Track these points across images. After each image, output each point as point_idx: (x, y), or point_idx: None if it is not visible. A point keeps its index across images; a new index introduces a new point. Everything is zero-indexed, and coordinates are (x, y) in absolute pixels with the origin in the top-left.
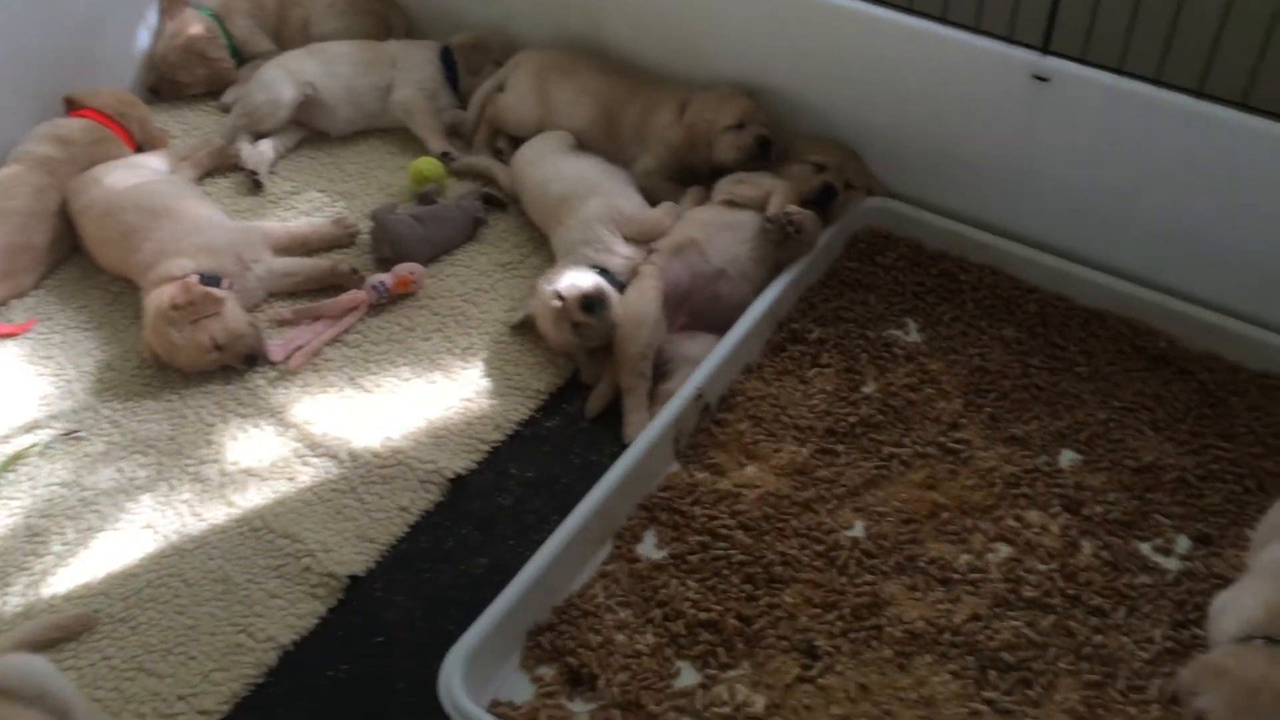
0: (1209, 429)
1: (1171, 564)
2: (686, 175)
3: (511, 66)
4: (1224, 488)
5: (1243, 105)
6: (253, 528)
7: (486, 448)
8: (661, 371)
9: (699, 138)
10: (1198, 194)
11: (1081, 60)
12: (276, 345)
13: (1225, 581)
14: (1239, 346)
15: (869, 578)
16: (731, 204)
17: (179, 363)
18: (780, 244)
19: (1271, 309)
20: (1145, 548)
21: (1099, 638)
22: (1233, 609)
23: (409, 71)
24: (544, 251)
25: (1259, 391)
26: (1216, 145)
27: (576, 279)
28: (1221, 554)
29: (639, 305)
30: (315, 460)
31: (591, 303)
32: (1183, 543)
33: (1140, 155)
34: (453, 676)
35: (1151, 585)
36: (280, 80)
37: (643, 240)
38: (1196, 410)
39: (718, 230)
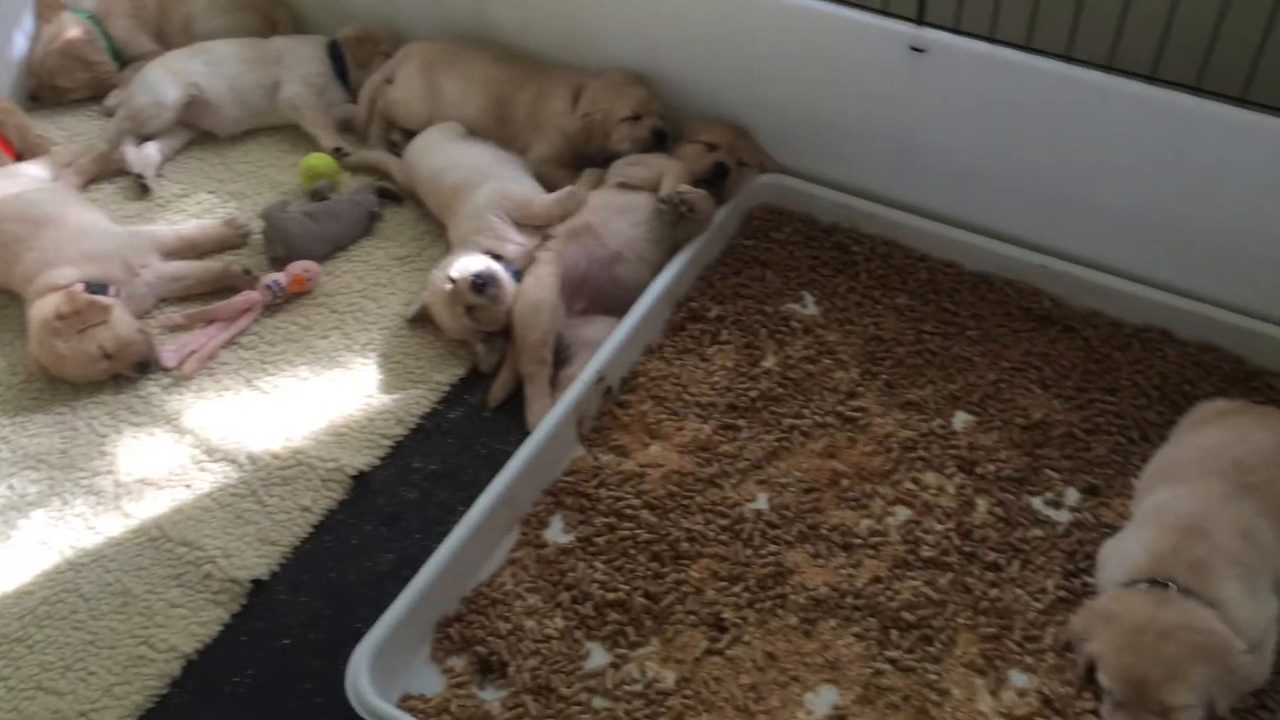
0: (1094, 384)
1: (1062, 516)
2: (582, 161)
3: (399, 59)
4: (1109, 440)
5: (1109, 68)
6: (150, 538)
7: (389, 443)
8: (562, 357)
9: (595, 128)
10: (1071, 155)
11: (955, 30)
12: (169, 351)
13: (1113, 530)
14: (1119, 303)
15: (773, 548)
16: (626, 186)
17: (67, 374)
18: (675, 224)
19: (1148, 265)
20: (1037, 502)
21: (995, 591)
22: (1118, 556)
23: (296, 67)
24: (442, 243)
25: (1140, 345)
26: (1087, 107)
27: (467, 262)
28: (1109, 504)
29: (536, 292)
30: (213, 465)
31: (481, 283)
32: (1072, 495)
33: (1015, 120)
34: (359, 674)
35: (1044, 538)
36: (164, 81)
37: (535, 225)
38: (1082, 367)
39: (613, 214)
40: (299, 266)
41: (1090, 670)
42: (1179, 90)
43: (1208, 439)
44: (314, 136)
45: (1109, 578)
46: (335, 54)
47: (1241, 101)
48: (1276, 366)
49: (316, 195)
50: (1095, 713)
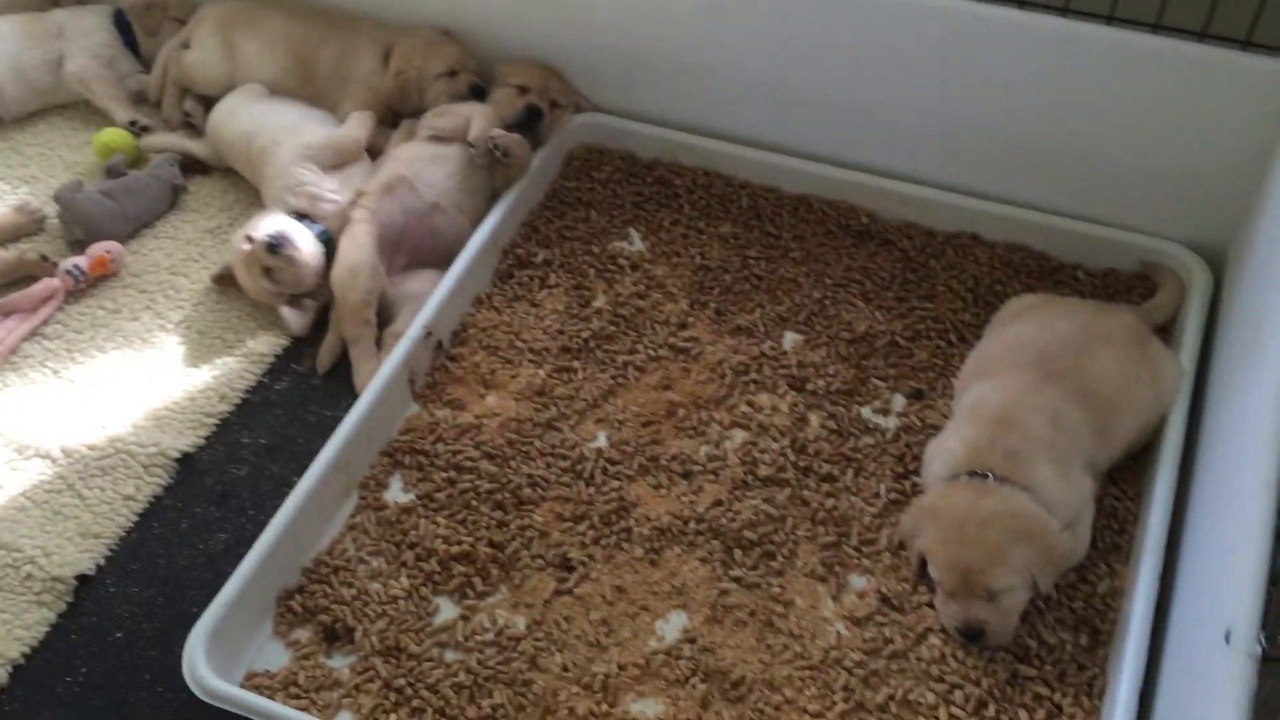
0: (913, 293)
1: (890, 422)
2: (395, 120)
3: (194, 23)
4: (930, 344)
5: None
6: None
7: (214, 421)
8: (386, 316)
9: (410, 86)
10: (870, 71)
11: None
12: None
13: (938, 430)
14: (931, 212)
15: (615, 484)
16: (437, 139)
17: None
18: (490, 170)
19: (953, 172)
20: (866, 411)
21: (831, 501)
22: (940, 453)
23: (79, 40)
24: (256, 210)
25: (954, 251)
26: (879, 21)
27: (265, 222)
28: (933, 405)
29: (352, 254)
30: (24, 463)
31: (276, 244)
32: (898, 401)
33: (814, 39)
34: (195, 657)
35: (874, 445)
36: None
37: (341, 163)
38: (900, 277)
39: (426, 164)
40: (100, 248)
41: (922, 565)
42: None
43: (1015, 333)
44: (106, 111)
45: (933, 475)
46: (122, 23)
47: (1022, 5)
48: (1079, 259)
49: (113, 172)
50: (930, 605)
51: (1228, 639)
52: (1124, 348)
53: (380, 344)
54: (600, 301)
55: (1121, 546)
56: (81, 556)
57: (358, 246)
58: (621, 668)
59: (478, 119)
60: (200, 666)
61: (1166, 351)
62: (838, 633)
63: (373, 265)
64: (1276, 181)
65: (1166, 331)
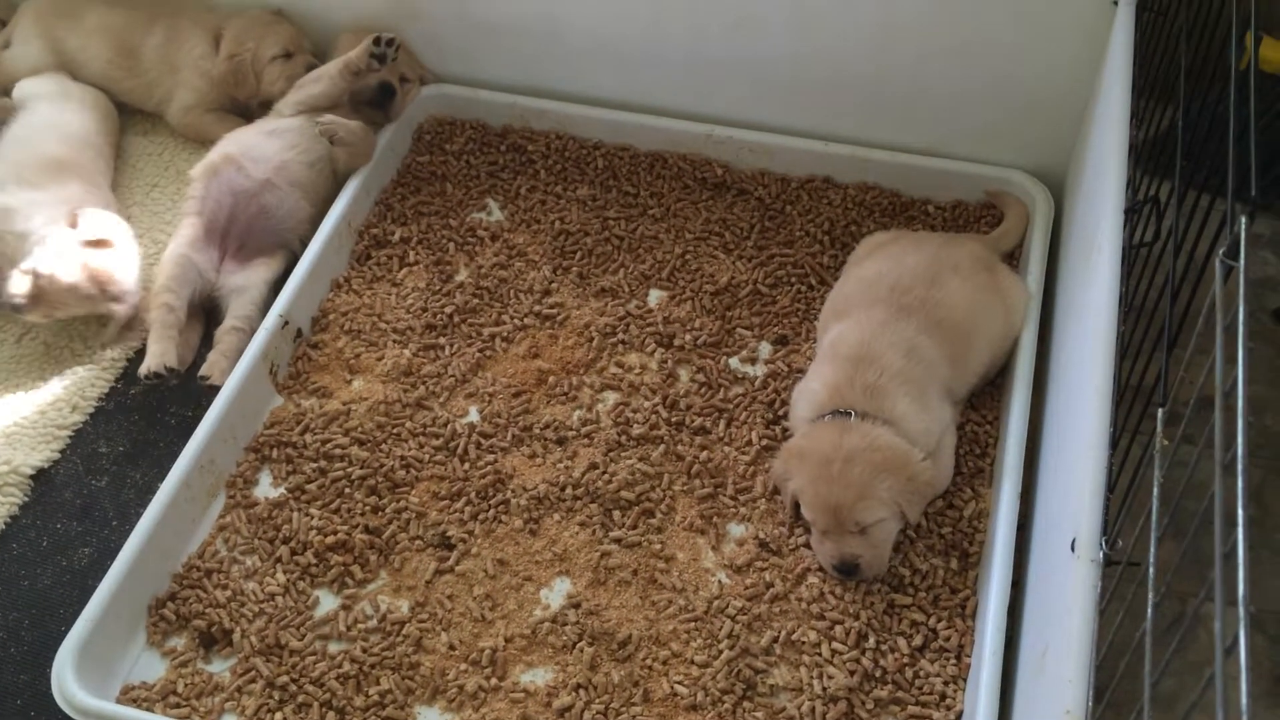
0: (772, 240)
1: (758, 371)
2: (234, 107)
3: (15, 20)
4: (791, 289)
5: None
6: None
7: (67, 432)
8: (219, 309)
9: (245, 70)
10: (706, 19)
11: None
12: None
13: (804, 374)
14: (783, 159)
15: (490, 457)
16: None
17: None
18: (332, 143)
19: (801, 117)
20: (734, 361)
21: (705, 454)
22: (804, 395)
23: None
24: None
25: (808, 196)
26: None
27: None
28: (799, 350)
29: (169, 247)
30: None
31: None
32: (765, 349)
33: None
34: (64, 676)
35: (744, 394)
36: None
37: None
38: (759, 225)
39: (258, 139)
40: None
41: (795, 507)
42: None
43: (868, 271)
44: None
45: (799, 417)
46: None
47: None
48: (928, 194)
49: None
50: (807, 545)
51: (1073, 547)
52: (972, 276)
53: (214, 342)
54: (462, 275)
55: (984, 470)
56: None
57: (173, 240)
58: (508, 640)
59: (321, 79)
60: (70, 685)
61: (1013, 276)
62: (720, 582)
63: (177, 256)
64: (1100, 101)
65: (1015, 257)
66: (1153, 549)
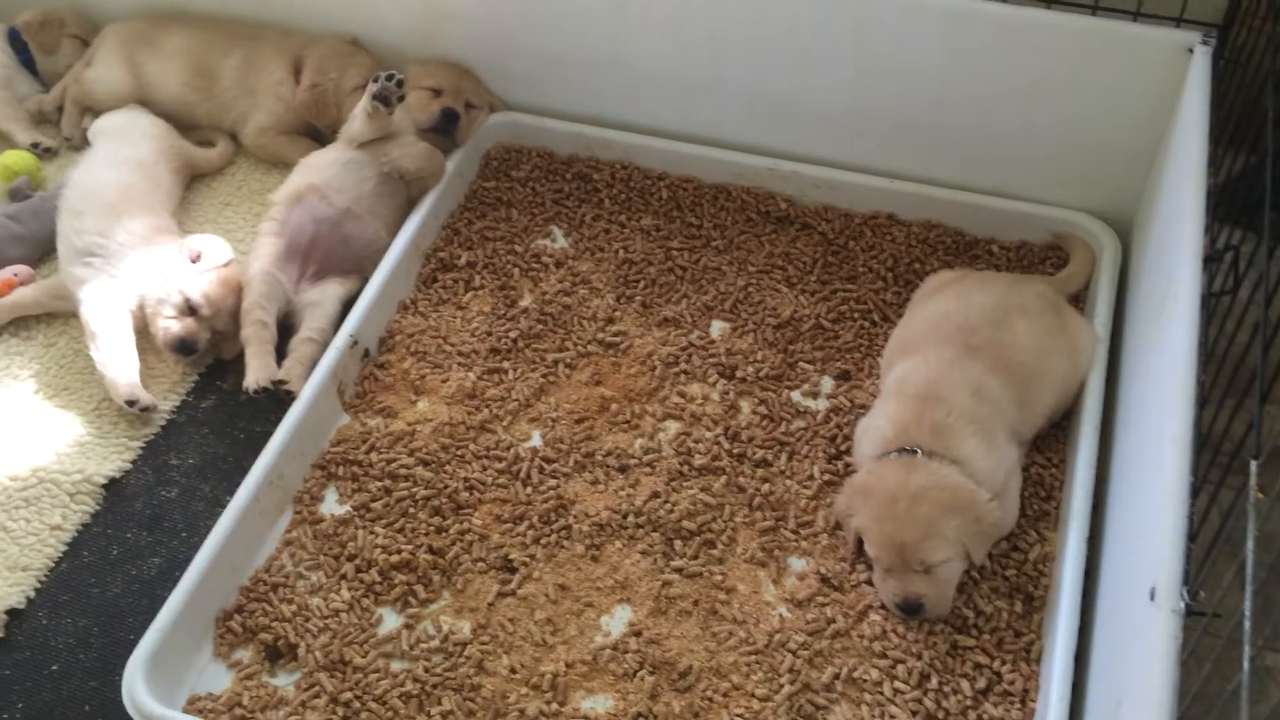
0: (835, 275)
1: (820, 405)
2: (306, 129)
3: (97, 42)
4: (854, 325)
5: None
6: None
7: (139, 444)
8: (295, 324)
9: (326, 99)
10: (772, 57)
11: None
12: None
13: (866, 410)
14: (848, 194)
15: (552, 482)
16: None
17: None
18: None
19: (866, 154)
20: (796, 395)
21: (767, 486)
22: (869, 431)
23: None
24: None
25: (871, 232)
26: (776, 9)
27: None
28: (861, 385)
29: (251, 264)
30: None
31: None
32: (826, 383)
33: (716, 29)
34: (134, 684)
35: (806, 428)
36: None
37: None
38: (822, 260)
39: (338, 171)
40: (8, 271)
41: (859, 543)
42: None
43: (935, 309)
44: (7, 133)
45: (864, 454)
46: (17, 42)
47: None
48: (992, 233)
49: (17, 195)
50: (869, 582)
51: (1152, 596)
52: (1040, 317)
53: (289, 352)
54: (527, 301)
55: (1050, 513)
56: (11, 590)
57: (256, 257)
58: (569, 665)
59: (355, 118)
60: (141, 693)
61: (1081, 319)
62: (780, 616)
63: (265, 274)
64: (1174, 148)
65: (1080, 299)
66: (1248, 602)
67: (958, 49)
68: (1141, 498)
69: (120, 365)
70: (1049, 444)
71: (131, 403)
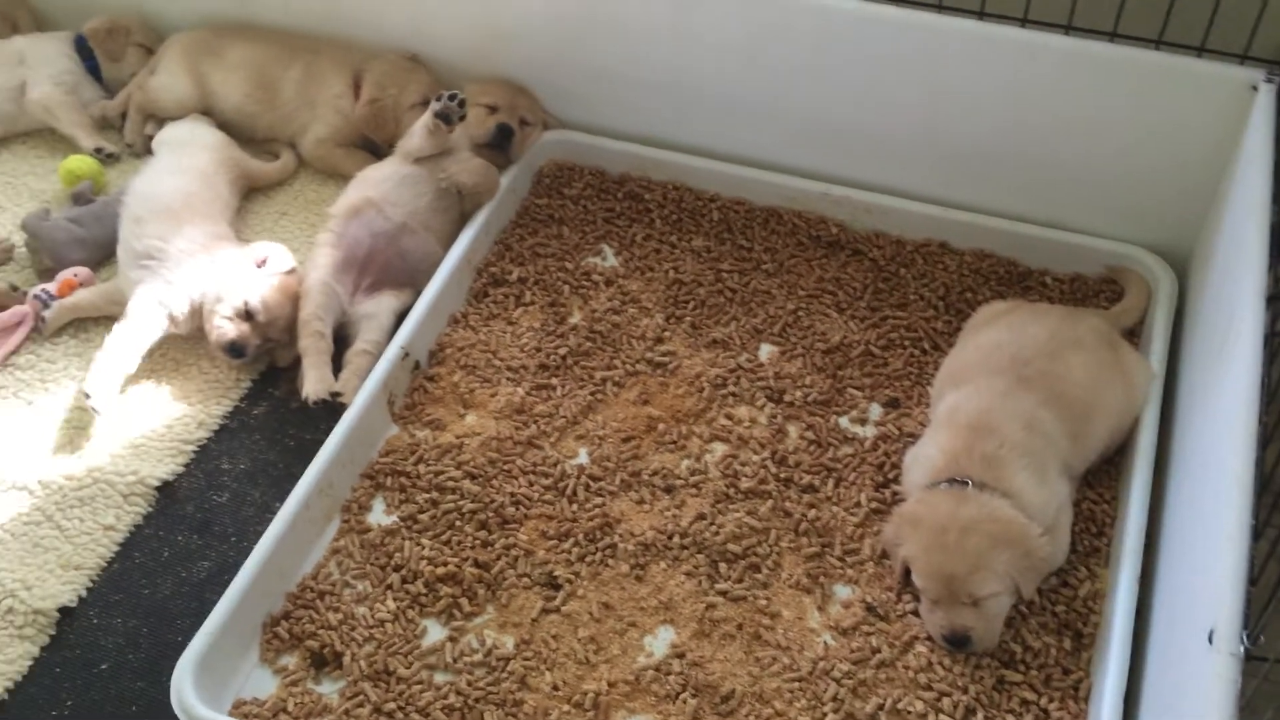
0: (885, 301)
1: (868, 432)
2: (363, 142)
3: (162, 50)
4: (904, 353)
5: None
6: None
7: (192, 448)
8: (350, 336)
9: (385, 115)
10: (833, 83)
11: None
12: None
13: (915, 438)
14: (900, 221)
15: (598, 500)
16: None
17: None
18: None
19: (920, 182)
20: (844, 421)
21: (813, 512)
22: (919, 460)
23: (41, 67)
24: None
25: (923, 260)
26: (840, 34)
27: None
28: (910, 414)
29: (309, 274)
30: (1, 496)
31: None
32: (875, 410)
33: (778, 54)
34: (183, 687)
35: (853, 455)
36: None
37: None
38: (872, 286)
39: (394, 186)
40: (69, 271)
41: (906, 573)
42: (924, 10)
43: (987, 339)
44: (71, 138)
45: (913, 483)
46: (83, 49)
47: (980, 15)
48: (1046, 265)
49: (80, 199)
50: (915, 613)
51: (1211, 639)
52: (1095, 352)
53: (345, 364)
54: (576, 318)
55: (1101, 549)
56: (63, 588)
57: (315, 268)
58: (612, 685)
59: (414, 134)
60: (189, 696)
61: (1136, 354)
62: (825, 643)
63: (324, 284)
64: (1236, 185)
65: (1134, 334)
66: None
67: (1021, 79)
68: (1200, 538)
69: (111, 362)
70: (1100, 479)
71: (88, 395)
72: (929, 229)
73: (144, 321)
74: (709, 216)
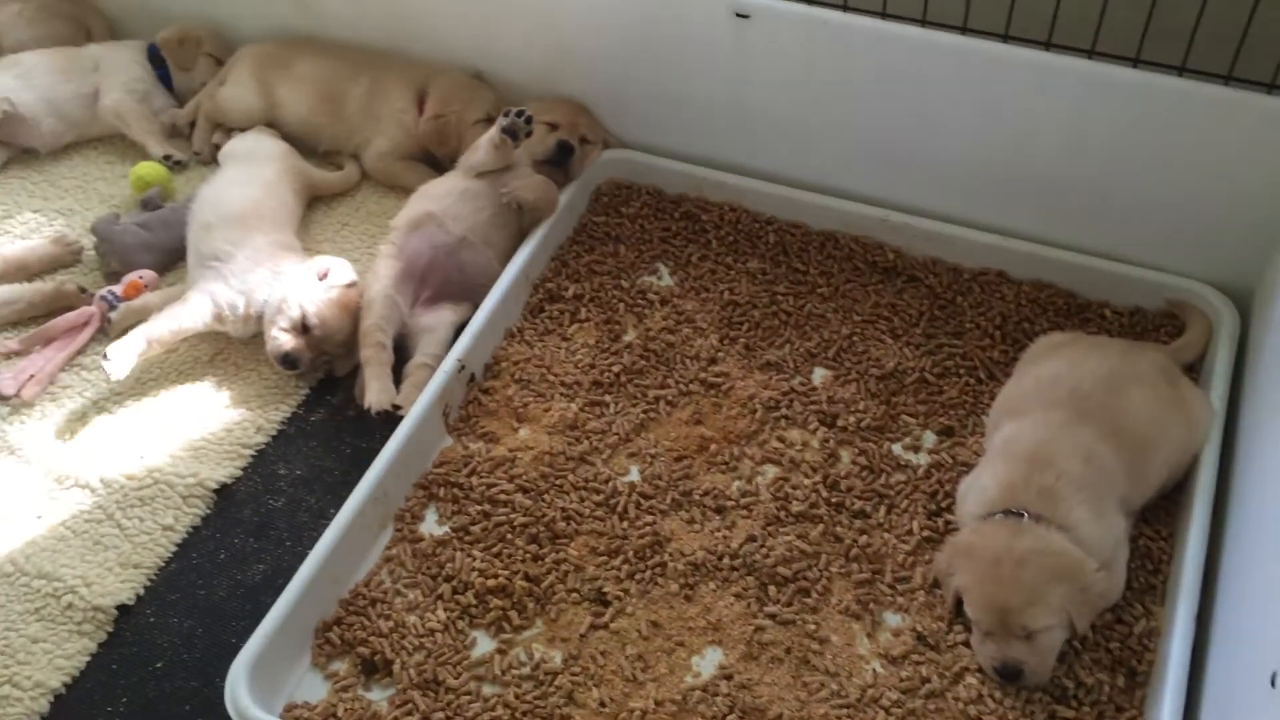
0: (940, 329)
1: (921, 459)
2: (423, 156)
3: (232, 61)
4: (959, 381)
5: (923, 22)
6: (3, 573)
7: (250, 452)
8: (409, 348)
9: (449, 131)
10: (896, 110)
11: None
12: (6, 378)
13: (969, 468)
14: (957, 249)
15: (649, 518)
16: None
17: None
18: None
19: (979, 210)
20: (897, 448)
21: (864, 538)
22: (973, 491)
23: (114, 74)
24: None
25: (980, 288)
26: (904, 61)
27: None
28: (964, 443)
29: (371, 286)
30: (64, 493)
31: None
32: (929, 438)
33: (840, 79)
34: (238, 688)
35: (905, 482)
36: None
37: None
38: (928, 313)
39: (455, 200)
40: (135, 275)
41: (958, 603)
42: (989, 39)
43: (1046, 371)
44: (141, 145)
45: (967, 513)
46: (155, 58)
47: (1047, 46)
48: (1106, 297)
49: (148, 205)
50: (966, 644)
51: (1274, 682)
52: (1155, 387)
53: (404, 376)
54: (630, 336)
55: (1156, 587)
56: (122, 586)
57: (376, 279)
58: (658, 704)
59: (479, 149)
60: (243, 698)
61: (1197, 391)
62: (874, 671)
63: (386, 296)
64: None
65: (1194, 370)
66: None
67: (1086, 112)
68: (1263, 578)
69: (143, 335)
70: (1157, 516)
71: (106, 357)
72: (987, 257)
73: (192, 309)
74: (765, 239)
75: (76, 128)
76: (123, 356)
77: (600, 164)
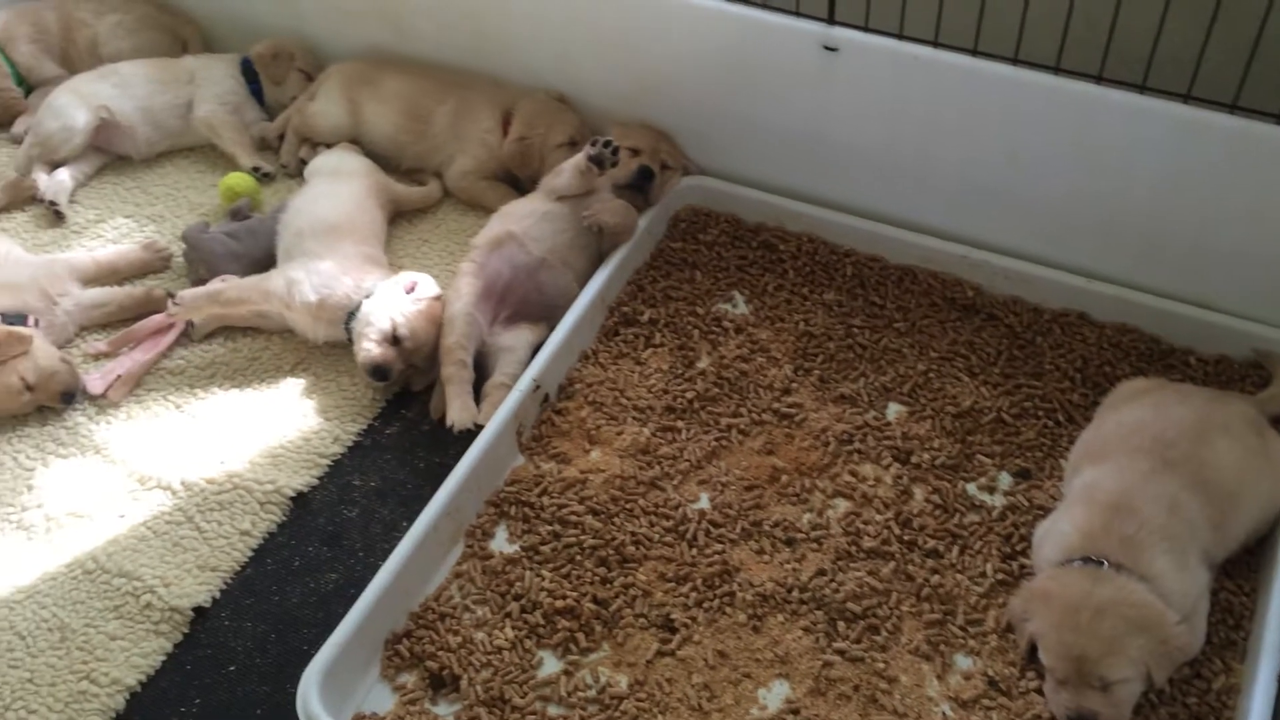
0: (1019, 369)
1: (996, 501)
2: (505, 176)
3: (322, 78)
4: (1037, 423)
5: (1015, 60)
6: (86, 570)
7: (327, 461)
8: (487, 366)
9: (532, 153)
10: (983, 147)
11: (865, 29)
12: (94, 378)
13: (1046, 512)
14: (1039, 289)
15: (718, 547)
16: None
17: None
18: (599, 233)
19: (1063, 250)
20: (971, 488)
21: (936, 578)
22: (1052, 536)
23: (209, 86)
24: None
25: (1061, 330)
26: (995, 99)
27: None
28: (1041, 486)
29: (452, 303)
30: (146, 494)
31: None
32: (1005, 479)
33: (927, 115)
34: (309, 695)
35: (980, 523)
36: (72, 106)
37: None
38: (1007, 353)
39: (536, 221)
40: (219, 281)
41: (1032, 649)
42: (1082, 80)
43: (1130, 417)
44: (231, 156)
45: (1044, 558)
46: (249, 72)
47: (1141, 89)
48: (1191, 344)
49: (237, 215)
50: (1039, 691)
51: None
52: (1242, 438)
53: (484, 395)
54: (704, 363)
55: (1237, 643)
56: (199, 588)
57: (458, 297)
58: None
59: (563, 173)
60: (314, 705)
61: None
62: (944, 714)
63: (468, 314)
64: None
65: (1278, 423)
66: None
67: (1181, 157)
68: None
69: (215, 285)
70: (1239, 570)
71: (172, 296)
72: (1068, 298)
73: (267, 279)
74: (842, 271)
75: (170, 137)
76: (192, 301)
77: (679, 190)
